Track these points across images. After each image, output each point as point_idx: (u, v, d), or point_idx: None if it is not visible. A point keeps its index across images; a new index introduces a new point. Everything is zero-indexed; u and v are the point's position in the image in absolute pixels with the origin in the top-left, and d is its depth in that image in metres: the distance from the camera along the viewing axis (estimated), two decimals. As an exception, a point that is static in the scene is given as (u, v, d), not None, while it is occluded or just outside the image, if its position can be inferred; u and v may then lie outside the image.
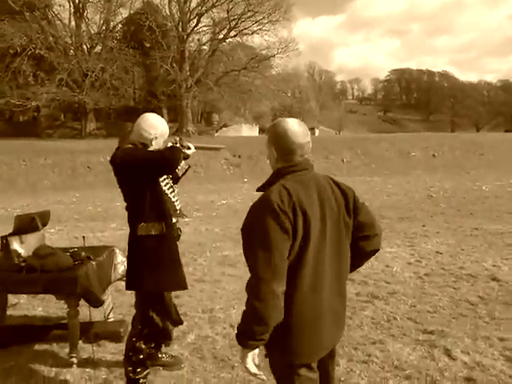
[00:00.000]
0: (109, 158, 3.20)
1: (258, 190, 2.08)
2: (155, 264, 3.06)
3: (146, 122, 3.16)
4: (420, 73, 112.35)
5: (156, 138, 3.14)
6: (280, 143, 2.03)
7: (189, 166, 3.43)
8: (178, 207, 3.34)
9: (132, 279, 3.15)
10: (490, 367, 3.48)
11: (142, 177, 3.03)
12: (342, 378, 3.35)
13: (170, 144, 3.20)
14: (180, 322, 3.45)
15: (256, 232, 1.90)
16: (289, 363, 2.02)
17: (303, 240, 1.92)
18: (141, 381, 3.15)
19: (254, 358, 1.94)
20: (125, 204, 3.23)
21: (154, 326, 3.17)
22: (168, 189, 3.28)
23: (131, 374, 3.13)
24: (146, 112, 3.36)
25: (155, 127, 3.15)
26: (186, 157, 3.23)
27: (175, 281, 3.20)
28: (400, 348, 3.82)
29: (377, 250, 2.26)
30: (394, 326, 4.28)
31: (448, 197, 13.60)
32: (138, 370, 3.12)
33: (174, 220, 3.23)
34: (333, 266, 2.05)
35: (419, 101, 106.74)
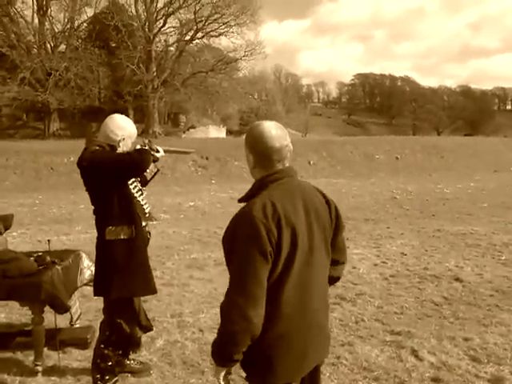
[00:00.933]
0: (73, 159, 3.16)
1: (240, 200, 1.97)
2: (124, 269, 3.00)
3: (114, 123, 3.10)
4: (383, 77, 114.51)
5: (124, 139, 3.08)
6: (255, 147, 1.94)
7: (158, 170, 3.39)
8: (146, 210, 3.29)
9: (100, 285, 3.09)
10: (456, 367, 3.57)
11: (110, 180, 2.98)
12: (312, 381, 3.36)
13: (138, 146, 3.15)
14: (150, 328, 3.40)
15: (235, 253, 1.83)
16: None
17: (289, 255, 1.84)
18: None
19: (226, 374, 1.91)
20: (91, 207, 3.17)
21: (122, 333, 3.11)
22: (137, 192, 3.23)
23: (99, 382, 3.07)
24: (112, 112, 3.31)
25: (123, 128, 3.10)
26: (156, 159, 3.19)
27: (145, 285, 3.15)
28: (368, 350, 3.88)
29: (338, 279, 2.23)
30: (361, 328, 4.34)
31: (411, 199, 13.91)
32: (107, 377, 3.06)
33: (143, 223, 3.19)
34: (320, 278, 2.00)
35: (382, 104, 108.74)
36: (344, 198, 14.27)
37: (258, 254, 1.77)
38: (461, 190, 15.76)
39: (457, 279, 5.78)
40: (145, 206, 3.28)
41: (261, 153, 1.93)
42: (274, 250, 1.80)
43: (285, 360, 1.89)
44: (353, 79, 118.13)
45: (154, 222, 9.76)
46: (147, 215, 3.26)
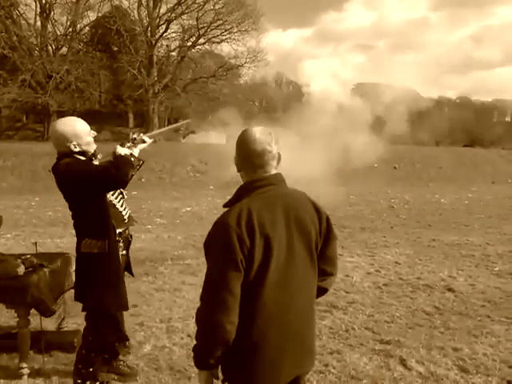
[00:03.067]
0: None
1: (225, 206, 1.98)
2: (96, 283, 2.98)
3: (61, 134, 2.94)
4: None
5: (80, 140, 2.94)
6: (239, 150, 1.97)
7: (142, 161, 3.16)
8: (126, 216, 3.26)
9: (79, 292, 3.07)
10: (444, 377, 3.55)
11: (86, 194, 2.90)
12: (298, 389, 3.34)
13: (118, 146, 2.99)
14: (125, 338, 3.36)
15: (208, 260, 1.87)
16: None
17: (263, 264, 1.83)
18: None
19: (208, 378, 1.92)
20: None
21: (101, 339, 3.08)
22: (116, 197, 3.19)
23: (80, 387, 3.03)
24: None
25: (71, 134, 2.93)
26: (140, 164, 3.10)
27: (116, 301, 3.07)
28: (357, 358, 3.86)
29: (325, 291, 2.19)
30: (351, 336, 4.32)
31: (408, 208, 13.91)
32: (88, 382, 3.03)
33: (119, 230, 3.16)
34: (303, 291, 1.97)
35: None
36: (341, 206, 14.26)
37: (228, 262, 1.78)
38: (458, 201, 15.77)
39: (449, 289, 5.76)
40: (124, 212, 3.23)
41: (243, 155, 1.96)
42: (246, 258, 1.81)
43: (259, 369, 1.88)
44: (353, 88, 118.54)
45: (148, 226, 9.74)
46: (126, 221, 3.23)
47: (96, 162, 3.10)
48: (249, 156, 1.93)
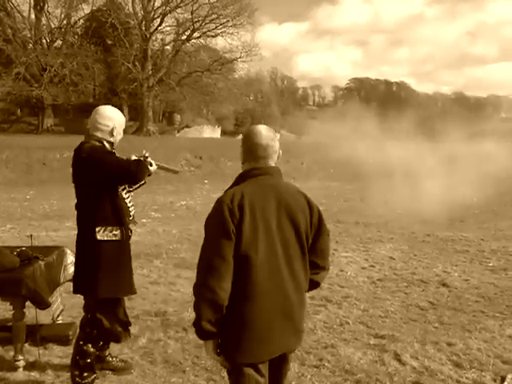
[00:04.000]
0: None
1: (226, 191, 2.18)
2: (114, 269, 3.02)
3: (101, 114, 3.12)
4: (378, 82, 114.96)
5: (115, 128, 3.11)
6: (245, 142, 2.22)
7: (144, 182, 3.33)
8: (132, 213, 3.29)
9: (83, 283, 3.07)
10: (438, 372, 3.57)
11: (103, 180, 3.00)
12: (293, 383, 3.36)
13: (134, 157, 3.18)
14: (128, 323, 3.38)
15: (205, 233, 2.09)
16: (237, 361, 2.11)
17: (252, 238, 2.03)
18: None
19: (214, 348, 2.11)
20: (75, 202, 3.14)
21: (102, 328, 3.10)
22: (125, 194, 3.22)
23: (78, 379, 3.04)
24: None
25: (111, 118, 3.12)
26: (150, 174, 3.19)
27: (129, 286, 3.19)
28: (351, 352, 3.87)
29: (318, 284, 2.31)
30: (346, 331, 4.34)
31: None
32: (85, 374, 3.03)
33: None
34: (292, 274, 2.12)
35: (377, 109, 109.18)
36: (336, 200, 14.29)
37: (221, 231, 2.01)
38: (452, 196, 15.81)
39: (443, 284, 5.79)
40: (131, 209, 3.26)
41: (248, 147, 2.20)
42: (236, 230, 2.02)
43: (249, 341, 2.08)
44: (348, 83, 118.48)
45: (143, 220, 9.72)
46: (131, 218, 3.25)
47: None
48: (254, 148, 2.17)
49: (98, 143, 3.07)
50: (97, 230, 3.00)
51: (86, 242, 3.06)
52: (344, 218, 10.68)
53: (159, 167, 3.34)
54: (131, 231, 3.27)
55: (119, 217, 3.05)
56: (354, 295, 5.34)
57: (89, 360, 3.04)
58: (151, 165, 3.20)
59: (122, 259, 3.09)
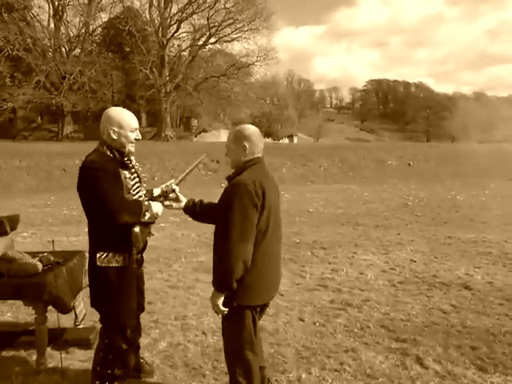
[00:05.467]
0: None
1: (229, 178, 2.76)
2: (112, 298, 2.91)
3: (108, 118, 2.92)
4: (396, 83, 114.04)
5: (121, 130, 2.89)
6: (252, 138, 2.74)
7: (152, 234, 3.14)
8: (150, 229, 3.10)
9: (93, 299, 3.02)
10: (462, 376, 3.50)
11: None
12: (314, 387, 3.32)
13: (157, 192, 3.05)
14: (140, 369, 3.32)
15: (235, 209, 2.52)
16: (242, 304, 2.65)
17: (267, 213, 2.61)
18: None
19: (221, 301, 2.60)
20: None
21: (114, 352, 3.03)
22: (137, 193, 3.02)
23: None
24: None
25: (109, 119, 2.92)
26: (152, 221, 3.00)
27: (127, 314, 3.00)
28: (373, 356, 3.82)
29: None
30: (367, 334, 4.29)
31: (423, 205, 13.77)
32: (106, 383, 3.02)
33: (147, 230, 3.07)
34: (278, 240, 2.84)
35: (395, 111, 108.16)
36: (355, 203, 14.19)
37: (250, 205, 2.53)
38: (474, 198, 15.57)
39: (466, 287, 5.68)
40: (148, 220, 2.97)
41: (254, 141, 2.75)
42: (258, 209, 2.56)
43: (259, 288, 2.70)
44: (366, 85, 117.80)
45: (161, 225, 9.73)
46: (149, 233, 3.11)
47: (132, 160, 3.05)
48: (258, 142, 2.77)
49: (102, 149, 2.90)
50: (98, 255, 2.86)
51: (90, 265, 2.96)
52: (363, 221, 10.60)
53: (186, 175, 3.16)
54: (151, 233, 3.18)
55: (123, 241, 2.83)
56: (375, 298, 5.27)
57: (109, 370, 3.00)
58: (173, 190, 3.05)
59: (120, 287, 2.90)
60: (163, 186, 3.12)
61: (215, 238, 2.73)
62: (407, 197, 15.85)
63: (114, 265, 2.86)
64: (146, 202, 2.93)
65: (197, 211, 3.08)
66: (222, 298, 2.58)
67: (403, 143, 37.45)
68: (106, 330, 3.04)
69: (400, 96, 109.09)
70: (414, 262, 6.98)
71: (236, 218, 2.50)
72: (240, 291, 2.60)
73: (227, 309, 2.62)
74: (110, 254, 2.86)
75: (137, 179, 3.05)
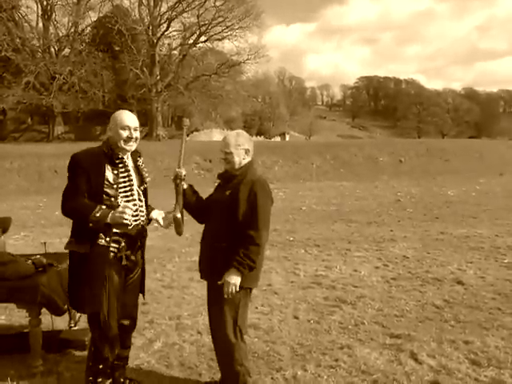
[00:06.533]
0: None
1: (228, 178, 3.11)
2: (74, 281, 2.95)
3: (111, 117, 3.04)
4: (387, 80, 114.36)
5: (113, 127, 2.96)
6: (251, 143, 3.15)
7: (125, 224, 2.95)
8: (129, 221, 2.93)
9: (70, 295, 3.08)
10: (456, 371, 3.52)
11: None
12: (310, 384, 3.34)
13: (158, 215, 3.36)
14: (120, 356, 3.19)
15: (262, 201, 2.95)
16: (248, 287, 3.05)
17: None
18: None
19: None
20: None
21: (96, 349, 3.01)
22: (125, 201, 2.97)
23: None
24: None
25: (113, 119, 3.00)
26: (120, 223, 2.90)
27: (91, 300, 2.92)
28: (367, 352, 3.84)
29: None
30: (361, 331, 4.31)
31: (415, 202, 13.85)
32: (99, 379, 3.01)
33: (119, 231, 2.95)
34: None
35: (386, 107, 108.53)
36: (347, 200, 14.25)
37: (270, 198, 3.07)
38: (465, 193, 15.69)
39: (459, 282, 5.73)
40: (128, 217, 2.88)
41: (251, 144, 3.14)
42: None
43: (259, 273, 3.15)
44: (357, 82, 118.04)
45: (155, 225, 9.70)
46: (130, 226, 2.97)
47: (130, 161, 3.08)
48: (252, 147, 3.16)
49: (101, 145, 3.01)
50: (70, 240, 2.94)
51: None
52: (356, 218, 10.64)
53: (181, 155, 3.16)
54: (146, 232, 3.14)
55: (85, 231, 2.85)
56: (369, 295, 5.30)
57: (101, 366, 3.00)
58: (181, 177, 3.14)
59: (85, 271, 2.87)
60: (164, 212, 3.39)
61: (220, 228, 3.06)
62: (399, 193, 15.93)
63: (80, 250, 2.89)
64: (104, 206, 2.87)
65: (198, 206, 3.56)
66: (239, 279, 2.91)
67: (394, 139, 37.62)
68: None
69: (391, 92, 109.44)
70: (407, 257, 7.02)
71: (263, 210, 2.94)
72: (254, 274, 3.02)
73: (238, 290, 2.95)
74: (73, 240, 2.93)
75: (127, 178, 3.03)
